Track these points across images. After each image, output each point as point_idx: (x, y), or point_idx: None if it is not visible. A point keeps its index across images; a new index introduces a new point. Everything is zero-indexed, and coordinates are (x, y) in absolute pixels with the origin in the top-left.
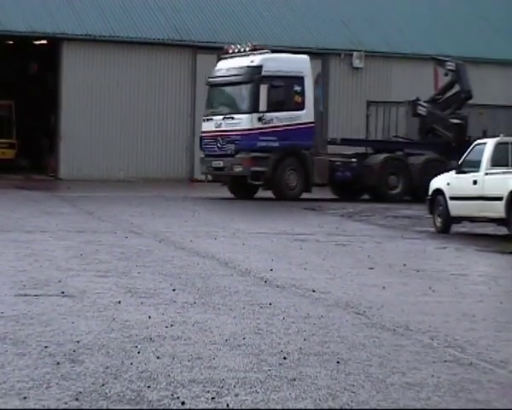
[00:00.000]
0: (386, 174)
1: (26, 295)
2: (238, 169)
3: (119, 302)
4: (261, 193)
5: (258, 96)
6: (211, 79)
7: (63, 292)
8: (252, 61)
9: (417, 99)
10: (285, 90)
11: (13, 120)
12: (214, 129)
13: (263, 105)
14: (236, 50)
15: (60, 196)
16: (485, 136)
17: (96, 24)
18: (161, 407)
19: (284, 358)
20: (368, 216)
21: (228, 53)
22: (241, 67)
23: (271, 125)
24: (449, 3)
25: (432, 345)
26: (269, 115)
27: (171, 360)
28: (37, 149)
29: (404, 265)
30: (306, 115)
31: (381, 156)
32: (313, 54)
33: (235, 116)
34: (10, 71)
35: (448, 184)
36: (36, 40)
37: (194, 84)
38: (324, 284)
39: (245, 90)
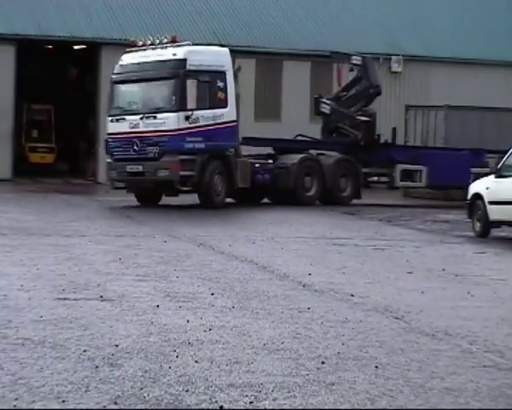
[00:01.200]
0: (302, 176)
1: (65, 299)
2: (164, 174)
3: (158, 306)
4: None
5: (185, 92)
6: (117, 75)
7: (102, 296)
8: (174, 54)
9: (320, 96)
10: (210, 86)
11: (52, 125)
12: (129, 130)
13: (191, 103)
14: (148, 43)
15: (98, 200)
16: (393, 134)
17: (134, 28)
18: None
19: (322, 362)
20: (407, 220)
21: (136, 46)
22: (161, 61)
23: (197, 124)
24: (488, 8)
25: (471, 350)
26: (195, 114)
27: (210, 364)
28: (76, 154)
29: (443, 269)
30: (229, 113)
31: (297, 156)
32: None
33: (159, 115)
34: (50, 76)
35: (487, 188)
36: (75, 45)
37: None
38: (363, 289)
39: (168, 87)
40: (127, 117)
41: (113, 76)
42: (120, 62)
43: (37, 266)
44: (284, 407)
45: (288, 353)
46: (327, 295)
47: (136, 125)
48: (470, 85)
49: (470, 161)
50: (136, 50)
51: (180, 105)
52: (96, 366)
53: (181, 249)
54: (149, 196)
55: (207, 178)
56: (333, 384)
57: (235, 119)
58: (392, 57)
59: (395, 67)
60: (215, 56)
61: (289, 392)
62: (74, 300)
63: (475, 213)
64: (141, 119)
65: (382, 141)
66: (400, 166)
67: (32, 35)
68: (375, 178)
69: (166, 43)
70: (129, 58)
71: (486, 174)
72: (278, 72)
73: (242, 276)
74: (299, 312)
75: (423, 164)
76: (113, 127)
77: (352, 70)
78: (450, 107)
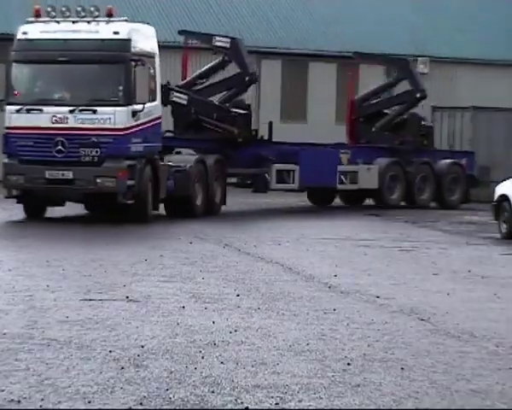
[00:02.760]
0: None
1: (91, 300)
2: (108, 183)
3: (184, 307)
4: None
5: (135, 81)
6: (24, 53)
7: (128, 297)
8: (116, 33)
9: (168, 83)
10: (148, 75)
11: None
12: (50, 125)
13: (140, 95)
14: (67, 14)
15: None
16: (270, 129)
17: (161, 30)
18: None
19: (348, 364)
20: (432, 222)
21: (41, 16)
22: (97, 40)
23: (139, 121)
24: None
25: (497, 352)
26: (145, 109)
27: (235, 365)
28: None
29: (469, 271)
30: (158, 108)
31: (191, 158)
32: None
33: (100, 109)
34: None
35: None
36: None
37: (259, 89)
38: (389, 290)
39: (112, 73)
40: (46, 108)
41: (15, 53)
42: (24, 35)
43: (62, 266)
44: (310, 408)
45: (314, 354)
46: (352, 297)
47: (62, 120)
48: (497, 86)
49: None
50: (43, 21)
51: (129, 98)
52: (122, 367)
53: (206, 251)
54: (39, 207)
55: (144, 188)
56: (358, 386)
57: (160, 115)
58: (419, 59)
59: (421, 69)
60: (147, 37)
61: (315, 393)
62: (100, 300)
63: (502, 215)
64: (71, 112)
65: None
66: (276, 166)
67: None
68: (240, 180)
69: (95, 16)
70: (38, 31)
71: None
72: (304, 73)
73: (268, 277)
74: (325, 313)
75: (296, 163)
76: (17, 120)
77: (215, 53)
78: (476, 108)
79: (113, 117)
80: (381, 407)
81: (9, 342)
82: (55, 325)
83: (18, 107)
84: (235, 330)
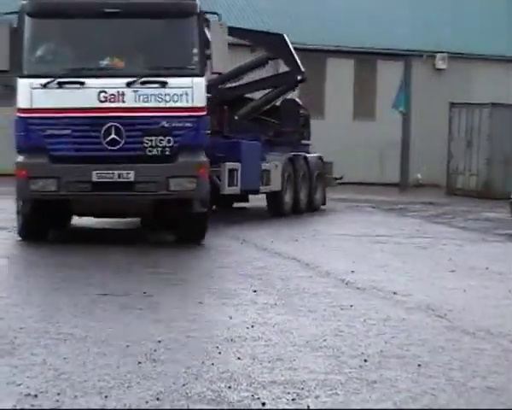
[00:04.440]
0: None
1: (106, 295)
2: (188, 186)
3: (201, 303)
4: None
5: (208, 43)
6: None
7: (145, 292)
8: None
9: None
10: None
11: None
12: (98, 105)
13: (218, 63)
14: None
15: None
16: None
17: None
18: (242, 408)
19: (365, 360)
20: (449, 219)
21: None
22: None
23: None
24: None
25: None
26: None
27: (252, 360)
28: None
29: (486, 268)
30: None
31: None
32: (395, 55)
33: (172, 81)
34: None
35: None
36: None
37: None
38: (405, 287)
39: (182, 30)
40: (90, 81)
41: (32, 1)
42: None
43: (78, 260)
44: (326, 404)
45: (330, 350)
46: (369, 293)
47: (115, 97)
48: None
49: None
50: None
51: (205, 65)
52: (139, 362)
53: (223, 246)
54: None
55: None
56: (375, 382)
57: None
58: (437, 55)
59: (439, 64)
60: None
61: (331, 390)
62: (116, 295)
63: None
64: (128, 85)
65: None
66: (228, 165)
67: None
68: None
69: None
70: None
71: None
72: (322, 69)
73: (284, 273)
74: (342, 309)
75: (239, 160)
76: (44, 99)
77: (253, 51)
78: (494, 104)
79: (191, 92)
80: (398, 404)
81: (26, 337)
82: (71, 320)
83: (44, 80)
84: (252, 326)
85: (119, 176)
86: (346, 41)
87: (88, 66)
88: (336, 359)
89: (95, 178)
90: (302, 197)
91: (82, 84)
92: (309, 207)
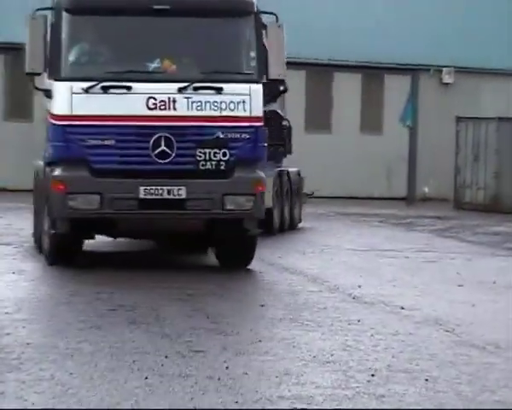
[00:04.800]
0: None
1: (114, 310)
2: (245, 205)
3: (208, 317)
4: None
5: (263, 46)
6: None
7: (154, 310)
8: None
9: None
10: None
11: None
12: (147, 112)
13: (275, 68)
14: None
15: None
16: None
17: None
18: None
19: (372, 375)
20: (457, 233)
21: None
22: None
23: None
24: None
25: None
26: None
27: (260, 375)
28: None
29: (494, 282)
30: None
31: None
32: (403, 70)
33: (228, 87)
34: None
35: None
36: None
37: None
38: (413, 301)
39: (238, 31)
40: (138, 85)
41: None
42: None
43: (86, 275)
44: None
45: (338, 365)
46: (377, 308)
47: (166, 104)
48: None
49: None
50: None
51: (263, 69)
52: (146, 377)
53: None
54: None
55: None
56: (383, 397)
57: None
58: (444, 69)
59: (446, 79)
60: None
61: (339, 404)
62: (125, 310)
63: None
64: (180, 91)
65: None
66: None
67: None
68: None
69: None
70: None
71: None
72: (328, 83)
73: (292, 287)
74: (349, 324)
75: None
76: (85, 104)
77: None
78: (501, 118)
79: (248, 100)
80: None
81: (33, 352)
82: (79, 335)
83: (86, 83)
84: (259, 341)
85: (169, 192)
86: (353, 55)
87: (135, 69)
88: (344, 373)
89: (142, 195)
90: (286, 215)
91: (129, 89)
92: (290, 226)
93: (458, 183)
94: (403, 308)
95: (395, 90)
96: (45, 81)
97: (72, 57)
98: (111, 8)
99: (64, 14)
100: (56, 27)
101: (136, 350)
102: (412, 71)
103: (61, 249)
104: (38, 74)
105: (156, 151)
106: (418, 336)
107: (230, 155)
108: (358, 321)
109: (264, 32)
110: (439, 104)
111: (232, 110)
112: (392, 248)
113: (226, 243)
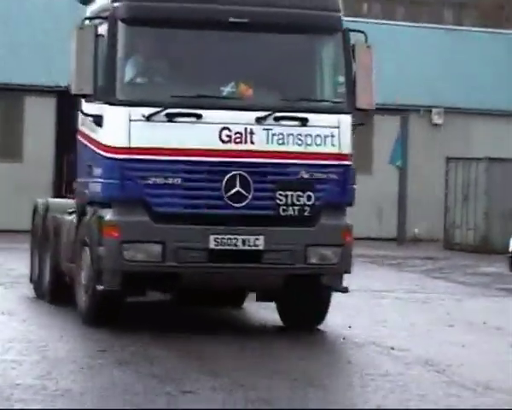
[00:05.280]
0: None
1: (104, 351)
2: (330, 258)
3: (198, 358)
4: None
5: (350, 68)
6: (157, 5)
7: (142, 347)
8: None
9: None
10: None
11: None
12: (219, 146)
13: (364, 96)
14: None
15: None
16: None
17: None
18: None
19: None
20: (448, 273)
21: None
22: None
23: None
24: None
25: None
26: None
27: None
28: None
29: (484, 323)
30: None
31: None
32: (392, 110)
33: (314, 118)
34: None
35: None
36: None
37: None
38: (403, 342)
39: (326, 51)
40: (209, 113)
41: (128, 4)
42: None
43: (77, 317)
44: None
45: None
46: (367, 348)
47: (241, 137)
48: None
49: None
50: None
51: (354, 98)
52: None
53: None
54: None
55: None
56: None
57: None
58: (433, 109)
59: (436, 119)
60: None
61: None
62: (114, 351)
63: None
64: (259, 121)
65: None
66: None
67: None
68: None
69: None
70: None
71: None
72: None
73: (279, 325)
74: (339, 364)
75: None
76: (146, 135)
77: None
78: (491, 159)
79: (337, 133)
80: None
81: (22, 393)
82: (69, 376)
83: (148, 110)
84: (251, 380)
85: (244, 242)
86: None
87: (206, 93)
88: None
89: (212, 245)
90: None
91: (199, 117)
92: None
93: (448, 223)
94: (393, 349)
95: (385, 130)
96: (92, 105)
97: (130, 77)
98: (177, 19)
99: (120, 24)
100: (110, 41)
101: (125, 391)
102: (402, 111)
103: (104, 307)
104: (87, 96)
105: (230, 193)
106: (408, 376)
107: (316, 198)
108: (349, 362)
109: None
110: (429, 145)
111: (318, 145)
112: (382, 288)
113: (296, 299)
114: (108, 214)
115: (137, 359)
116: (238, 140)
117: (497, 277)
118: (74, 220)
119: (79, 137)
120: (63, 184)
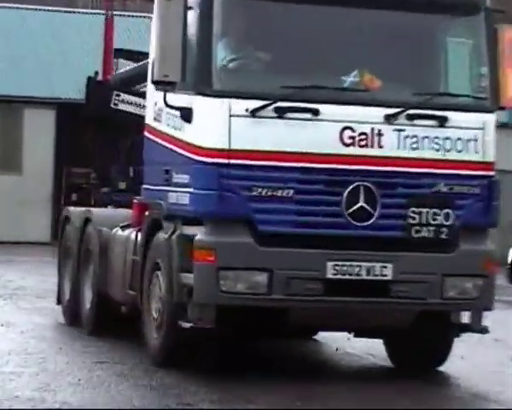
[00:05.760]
0: None
1: (103, 363)
2: (473, 292)
3: (197, 371)
4: None
5: (495, 56)
6: None
7: (142, 362)
8: None
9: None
10: None
11: (92, 189)
12: (341, 150)
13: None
14: None
15: None
16: None
17: None
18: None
19: None
20: None
21: None
22: None
23: None
24: None
25: None
26: None
27: None
28: None
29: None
30: None
31: None
32: None
33: (456, 117)
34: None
35: None
36: None
37: None
38: None
39: (464, 37)
40: (327, 108)
41: None
42: None
43: (75, 329)
44: None
45: None
46: (365, 360)
47: (367, 140)
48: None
49: None
50: None
51: (497, 91)
52: None
53: None
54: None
55: None
56: None
57: None
58: None
59: None
60: None
61: None
62: (113, 363)
63: None
64: (389, 120)
65: None
66: None
67: (72, 99)
68: None
69: None
70: None
71: None
72: None
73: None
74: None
75: None
76: (250, 135)
77: None
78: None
79: (481, 137)
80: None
81: (21, 405)
82: (68, 388)
83: (253, 103)
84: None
85: (369, 271)
86: None
87: (324, 83)
88: None
89: (330, 274)
90: None
91: (316, 113)
92: None
93: None
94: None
95: None
96: (177, 96)
97: (229, 61)
98: None
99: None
100: (205, 14)
101: (123, 404)
102: None
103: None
104: (173, 84)
105: (352, 209)
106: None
107: (456, 217)
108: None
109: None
110: None
111: (459, 151)
112: None
113: (413, 338)
114: (200, 233)
115: (136, 372)
116: (363, 143)
117: (497, 289)
118: (133, 237)
119: (149, 135)
120: (62, 195)
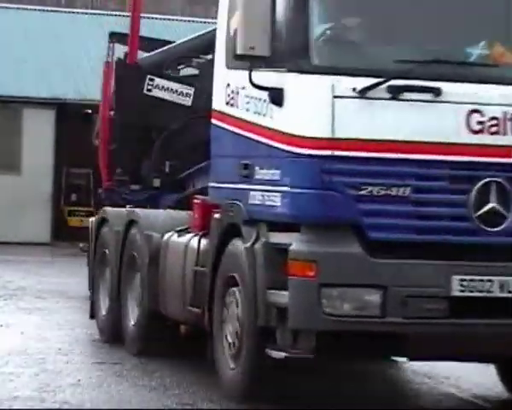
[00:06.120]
0: None
1: (102, 363)
2: None
3: (196, 371)
4: None
5: None
6: None
7: (142, 362)
8: None
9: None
10: None
11: (91, 189)
12: (466, 139)
13: None
14: None
15: None
16: None
17: None
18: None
19: None
20: None
21: None
22: None
23: None
24: None
25: None
26: None
27: None
28: None
29: None
30: None
31: None
32: None
33: None
34: (89, 140)
35: None
36: None
37: None
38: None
39: None
40: (451, 87)
41: None
42: None
43: (74, 329)
44: None
45: None
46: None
47: (498, 125)
48: None
49: None
50: None
51: None
52: None
53: None
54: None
55: None
56: None
57: None
58: None
59: None
60: None
61: None
62: (113, 364)
63: None
64: None
65: None
66: None
67: (72, 99)
68: None
69: None
70: None
71: None
72: None
73: None
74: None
75: None
76: (353, 120)
77: None
78: None
79: None
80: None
81: (21, 405)
82: (67, 388)
83: (362, 81)
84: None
85: (503, 287)
86: None
87: (446, 57)
88: None
89: (457, 291)
90: None
91: (437, 93)
92: None
93: None
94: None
95: None
96: (262, 74)
97: (331, 31)
98: None
99: None
100: None
101: (123, 403)
102: None
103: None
104: (261, 59)
105: (481, 211)
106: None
107: None
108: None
109: None
110: None
111: None
112: None
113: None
114: (296, 242)
115: (136, 372)
116: (494, 130)
117: None
118: (195, 244)
119: (220, 123)
120: (61, 195)
